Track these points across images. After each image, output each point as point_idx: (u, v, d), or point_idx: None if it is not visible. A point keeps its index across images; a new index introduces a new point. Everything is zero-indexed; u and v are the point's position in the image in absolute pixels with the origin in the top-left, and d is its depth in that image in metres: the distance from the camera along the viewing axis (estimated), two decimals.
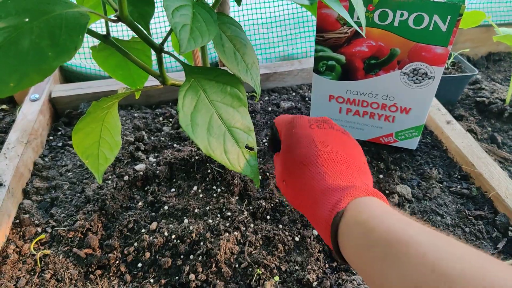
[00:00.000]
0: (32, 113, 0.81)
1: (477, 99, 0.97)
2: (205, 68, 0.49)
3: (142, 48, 0.64)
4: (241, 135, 0.48)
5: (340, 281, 0.57)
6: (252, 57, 0.50)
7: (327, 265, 0.60)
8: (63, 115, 0.89)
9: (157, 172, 0.74)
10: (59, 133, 0.86)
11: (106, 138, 0.60)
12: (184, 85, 0.46)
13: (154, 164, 0.76)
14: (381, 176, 0.74)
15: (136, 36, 0.60)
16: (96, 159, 0.59)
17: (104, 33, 0.49)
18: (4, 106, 0.92)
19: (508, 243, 0.62)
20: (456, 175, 0.73)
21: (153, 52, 0.54)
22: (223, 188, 0.72)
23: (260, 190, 0.72)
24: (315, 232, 0.64)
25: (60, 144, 0.83)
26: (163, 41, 0.50)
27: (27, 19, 0.34)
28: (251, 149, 0.48)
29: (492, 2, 1.18)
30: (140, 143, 0.81)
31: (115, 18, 0.42)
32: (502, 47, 1.22)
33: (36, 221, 0.66)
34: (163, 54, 0.51)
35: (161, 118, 0.89)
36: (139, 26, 0.46)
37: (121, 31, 1.02)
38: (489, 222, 0.65)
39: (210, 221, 0.66)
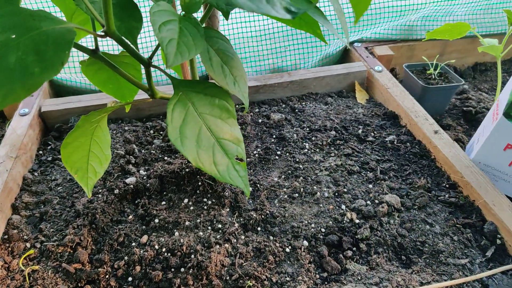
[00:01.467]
0: (21, 128, 0.81)
1: (464, 108, 0.99)
2: (193, 82, 0.50)
3: (131, 62, 0.64)
4: (230, 147, 0.48)
5: None
6: (240, 70, 0.51)
7: (317, 276, 0.60)
8: (53, 129, 0.89)
9: (148, 185, 0.74)
10: (49, 147, 0.85)
11: (96, 152, 0.60)
12: (172, 99, 0.47)
13: (144, 177, 0.76)
14: (370, 186, 0.74)
15: (124, 51, 0.61)
16: (85, 173, 0.59)
17: (93, 47, 0.49)
18: None
19: (496, 251, 0.62)
20: (444, 184, 0.74)
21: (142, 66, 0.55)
22: (213, 200, 0.72)
23: (250, 201, 0.72)
24: (306, 243, 0.64)
25: (49, 159, 0.82)
26: (151, 55, 0.50)
27: (13, 36, 0.35)
28: (241, 160, 0.49)
29: (477, 14, 1.21)
30: (131, 156, 0.81)
31: (103, 34, 0.42)
32: (488, 57, 1.24)
33: (25, 236, 0.66)
34: (151, 68, 0.51)
35: (151, 131, 0.89)
36: (127, 41, 0.47)
37: (111, 45, 1.02)
38: (478, 230, 0.65)
39: (201, 233, 0.66)
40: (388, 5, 1.13)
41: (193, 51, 0.42)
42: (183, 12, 0.48)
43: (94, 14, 0.42)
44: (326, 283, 0.59)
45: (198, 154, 0.46)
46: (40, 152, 0.84)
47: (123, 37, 0.46)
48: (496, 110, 0.72)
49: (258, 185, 0.75)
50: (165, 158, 0.82)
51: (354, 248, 0.64)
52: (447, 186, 0.73)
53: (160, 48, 0.53)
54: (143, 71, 0.59)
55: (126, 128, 0.89)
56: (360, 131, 0.87)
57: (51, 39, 0.35)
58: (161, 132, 0.89)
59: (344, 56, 1.14)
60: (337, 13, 0.48)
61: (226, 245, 0.64)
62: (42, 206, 0.72)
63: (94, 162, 0.60)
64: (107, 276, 0.61)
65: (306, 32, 0.66)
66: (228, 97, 0.50)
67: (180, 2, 0.48)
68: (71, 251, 0.64)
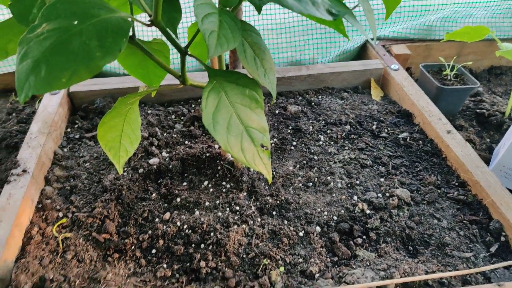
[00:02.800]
0: (52, 106, 0.86)
1: (478, 111, 1.01)
2: (226, 71, 0.54)
3: (161, 49, 0.68)
4: (256, 135, 0.52)
5: (341, 274, 0.61)
6: (270, 62, 0.55)
7: (328, 259, 0.64)
8: (80, 109, 0.93)
9: (170, 166, 0.78)
10: (76, 125, 0.90)
11: (127, 132, 0.64)
12: (207, 87, 0.50)
13: (167, 159, 0.80)
14: (381, 179, 0.78)
15: (157, 38, 0.64)
16: (117, 151, 0.63)
17: (131, 34, 0.53)
18: None
19: (500, 247, 0.66)
20: (454, 182, 0.77)
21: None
22: (232, 184, 0.76)
23: (267, 187, 0.76)
24: (318, 229, 0.68)
25: (77, 136, 0.87)
26: (187, 45, 0.54)
27: (76, 22, 0.38)
28: (265, 148, 0.52)
29: (496, 18, 1.22)
30: (154, 139, 0.85)
31: (149, 23, 0.46)
32: (504, 61, 1.26)
33: (58, 207, 0.71)
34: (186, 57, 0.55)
35: (173, 116, 0.93)
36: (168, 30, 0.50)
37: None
38: (483, 227, 0.69)
39: (220, 214, 0.70)
40: (408, 5, 1.15)
41: (232, 43, 0.46)
42: (221, 6, 0.51)
43: (143, 5, 0.45)
44: (336, 266, 0.63)
45: (228, 139, 0.50)
46: (68, 129, 0.89)
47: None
48: None
49: (274, 173, 0.79)
50: (186, 142, 0.86)
51: (364, 237, 0.68)
52: (456, 184, 0.76)
53: (193, 38, 0.57)
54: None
55: (149, 112, 0.93)
56: (374, 127, 0.90)
57: (110, 27, 0.38)
58: (182, 118, 0.93)
59: (361, 53, 1.17)
60: (366, 12, 0.51)
61: (243, 226, 0.68)
62: (72, 180, 0.77)
63: (125, 142, 0.64)
64: (132, 247, 0.66)
65: (329, 27, 0.69)
66: (258, 88, 0.53)
67: None
68: (100, 223, 0.68)
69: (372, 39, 1.15)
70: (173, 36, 0.51)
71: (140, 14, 0.56)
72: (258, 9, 0.54)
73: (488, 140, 0.95)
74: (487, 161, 0.86)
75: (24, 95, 0.37)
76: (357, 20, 0.46)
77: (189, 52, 0.54)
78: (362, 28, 0.46)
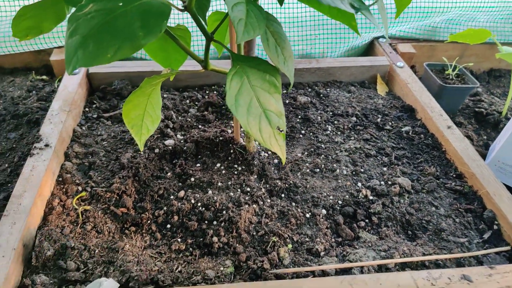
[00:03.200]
0: (72, 85, 0.89)
1: (476, 109, 1.06)
2: (248, 57, 0.57)
3: (183, 35, 0.71)
4: (273, 118, 0.56)
5: (344, 253, 0.66)
6: (289, 51, 0.58)
7: (333, 240, 0.69)
8: (98, 90, 0.97)
9: (185, 148, 0.82)
10: (94, 105, 0.93)
11: (150, 111, 0.68)
12: (231, 70, 0.54)
13: (182, 141, 0.84)
14: (384, 168, 0.82)
15: (181, 24, 0.68)
16: (139, 129, 0.67)
17: None
18: (44, 77, 1.00)
19: (492, 235, 0.71)
20: (451, 174, 0.81)
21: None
22: (243, 167, 0.80)
23: (276, 171, 0.80)
24: (324, 211, 0.73)
25: (95, 116, 0.91)
26: (213, 31, 0.58)
27: (120, 3, 0.42)
28: (281, 131, 0.56)
29: (498, 22, 1.26)
30: (169, 121, 0.89)
31: (183, 8, 0.50)
32: (503, 64, 1.30)
33: (77, 181, 0.74)
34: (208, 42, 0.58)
35: (187, 101, 0.97)
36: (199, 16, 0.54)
37: None
38: (478, 215, 0.73)
39: (232, 194, 0.74)
40: (415, 6, 1.19)
41: (257, 31, 0.50)
42: None
43: None
44: (340, 246, 0.68)
45: (248, 120, 0.54)
46: (86, 109, 0.92)
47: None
48: None
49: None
50: (200, 126, 0.90)
51: (367, 220, 0.72)
52: (454, 175, 0.81)
53: (219, 25, 0.60)
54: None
55: (164, 95, 0.97)
56: (379, 119, 0.95)
57: (151, 10, 0.42)
58: (197, 103, 0.96)
59: (368, 49, 1.21)
60: (380, 10, 0.55)
61: (254, 205, 0.72)
62: (90, 157, 0.80)
63: (147, 120, 0.67)
64: (148, 221, 0.70)
65: (341, 23, 0.72)
66: (277, 74, 0.57)
67: None
68: (117, 197, 0.72)
69: (382, 36, 1.19)
70: (202, 22, 0.54)
71: None
72: (280, 2, 0.58)
73: (485, 137, 0.99)
74: (484, 156, 0.90)
75: (72, 67, 0.40)
76: (373, 16, 0.49)
77: (214, 38, 0.57)
78: (377, 23, 0.50)
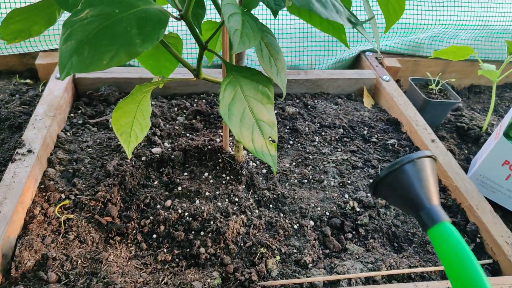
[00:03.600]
0: (58, 90, 0.87)
1: (458, 124, 1.09)
2: (242, 67, 0.57)
3: (174, 43, 0.71)
4: (266, 128, 0.56)
5: (332, 265, 0.66)
6: (282, 62, 0.59)
7: (321, 251, 0.69)
8: (84, 95, 0.95)
9: (172, 156, 0.81)
10: (79, 111, 0.91)
11: (139, 119, 0.67)
12: (225, 80, 0.54)
13: (169, 149, 0.83)
14: (371, 180, 0.83)
15: (172, 32, 0.68)
16: (128, 136, 0.66)
17: None
18: (28, 81, 0.97)
19: (475, 248, 0.72)
20: None
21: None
22: (231, 177, 0.79)
23: (264, 182, 0.80)
24: (312, 223, 0.73)
25: (80, 122, 0.89)
26: (207, 40, 0.58)
27: (117, 10, 0.42)
28: (273, 141, 0.56)
29: (478, 40, 1.31)
30: (157, 129, 0.88)
31: (179, 17, 0.49)
32: (483, 81, 1.35)
33: (60, 188, 0.72)
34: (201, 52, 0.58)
35: (175, 109, 0.96)
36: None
37: None
38: (461, 228, 0.75)
39: (219, 204, 0.73)
40: (401, 21, 1.22)
41: (252, 41, 0.50)
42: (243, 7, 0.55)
43: (176, 0, 0.49)
44: (328, 258, 0.68)
45: (240, 130, 0.54)
46: (72, 114, 0.90)
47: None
48: (499, 130, 0.82)
49: (272, 168, 0.83)
50: (187, 134, 0.89)
51: (354, 232, 0.73)
52: (438, 188, 0.83)
53: (213, 34, 0.60)
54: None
55: (152, 103, 0.96)
56: (365, 132, 0.96)
57: (149, 17, 0.42)
58: (185, 111, 0.96)
59: (355, 63, 1.23)
60: (372, 26, 0.56)
61: (242, 216, 0.71)
62: (75, 164, 0.78)
63: (136, 128, 0.66)
64: (134, 231, 0.68)
65: (332, 36, 0.73)
66: (270, 85, 0.57)
67: None
68: (102, 206, 0.70)
69: (369, 50, 1.21)
70: (197, 31, 0.54)
71: (165, 5, 0.60)
72: (275, 13, 0.58)
73: (466, 151, 1.02)
74: (465, 170, 0.93)
75: (65, 73, 0.39)
76: (366, 31, 0.51)
77: (208, 47, 0.57)
78: (370, 38, 0.51)
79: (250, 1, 0.54)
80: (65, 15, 0.47)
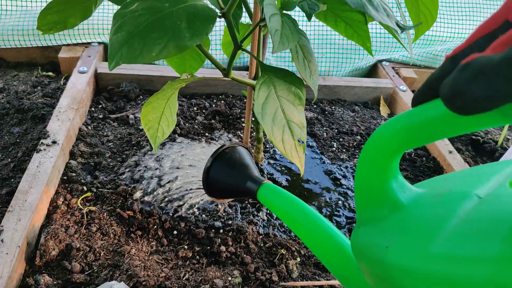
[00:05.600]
0: (81, 84, 0.88)
1: (473, 137, 1.09)
2: (276, 68, 0.58)
3: (203, 42, 0.72)
4: (296, 129, 0.57)
5: None
6: (315, 65, 0.59)
7: None
8: (105, 91, 0.95)
9: None
10: (100, 106, 0.92)
11: (167, 115, 0.67)
12: (259, 80, 0.55)
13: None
14: None
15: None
16: (155, 132, 0.66)
17: None
18: (50, 73, 0.97)
19: None
20: None
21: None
22: None
23: (284, 182, 0.80)
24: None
25: (101, 116, 0.89)
26: (242, 40, 0.58)
27: (167, 4, 0.42)
28: (302, 142, 0.57)
29: None
30: (177, 127, 0.88)
31: (221, 15, 0.50)
32: None
33: (82, 180, 0.72)
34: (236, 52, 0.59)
35: (195, 108, 0.97)
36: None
37: None
38: None
39: (239, 204, 0.74)
40: None
41: (291, 42, 0.51)
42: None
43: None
44: None
45: (272, 129, 0.54)
46: (92, 109, 0.90)
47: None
48: None
49: (292, 172, 0.84)
50: (207, 134, 0.90)
51: None
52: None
53: (248, 34, 0.61)
54: None
55: None
56: None
57: (197, 12, 0.42)
58: (204, 111, 0.96)
59: (371, 72, 1.24)
60: (407, 33, 0.57)
61: (261, 216, 0.72)
62: (96, 157, 0.79)
63: (164, 124, 0.67)
64: (155, 227, 0.68)
65: (356, 43, 0.74)
66: (303, 86, 0.58)
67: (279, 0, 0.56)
68: (124, 200, 0.71)
69: (386, 60, 1.22)
70: (235, 30, 0.55)
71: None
72: (309, 17, 0.59)
73: (481, 164, 1.02)
74: None
75: (115, 63, 0.40)
76: (401, 38, 0.51)
77: (242, 47, 0.58)
78: (402, 42, 0.52)
79: (289, 3, 0.55)
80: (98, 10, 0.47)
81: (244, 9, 0.59)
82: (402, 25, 0.43)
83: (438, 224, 0.26)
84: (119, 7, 0.43)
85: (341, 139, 0.94)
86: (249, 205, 0.73)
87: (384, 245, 0.29)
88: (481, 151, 1.07)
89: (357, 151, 0.92)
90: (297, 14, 1.11)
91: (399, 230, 0.29)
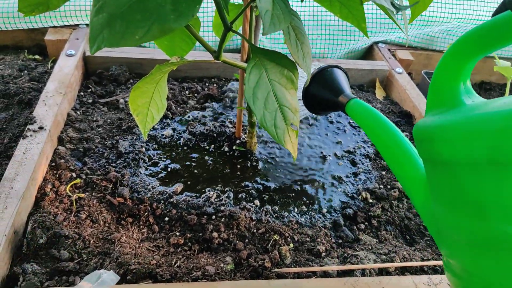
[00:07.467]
0: (68, 67, 0.85)
1: None
2: (268, 50, 0.56)
3: (193, 24, 0.69)
4: (289, 114, 0.55)
5: (345, 255, 0.65)
6: (308, 47, 0.57)
7: (333, 241, 0.69)
8: (94, 74, 0.93)
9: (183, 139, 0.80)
10: (89, 90, 0.90)
11: (156, 99, 0.65)
12: (250, 63, 0.53)
13: (181, 132, 0.82)
14: (383, 172, 0.83)
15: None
16: (145, 117, 0.64)
17: None
18: (36, 56, 0.94)
19: None
20: None
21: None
22: (244, 164, 0.78)
23: (278, 169, 0.79)
24: (325, 211, 0.72)
25: (90, 101, 0.87)
26: (232, 21, 0.56)
27: None
28: (294, 127, 0.55)
29: None
30: (168, 112, 0.87)
31: None
32: (493, 78, 1.34)
33: (71, 167, 0.71)
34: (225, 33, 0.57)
35: (187, 92, 0.94)
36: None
37: None
38: None
39: (232, 189, 0.73)
40: None
41: (283, 23, 0.48)
42: None
43: None
44: (341, 247, 0.68)
45: (264, 114, 0.53)
46: (81, 93, 0.88)
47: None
48: None
49: (283, 156, 0.82)
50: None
51: (367, 223, 0.72)
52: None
53: (238, 15, 0.59)
54: None
55: None
56: None
57: None
58: (196, 95, 0.94)
59: (367, 54, 1.22)
60: (403, 14, 0.55)
61: (255, 202, 0.71)
62: (85, 143, 0.77)
63: (153, 109, 0.65)
64: (146, 213, 0.67)
65: (351, 24, 0.72)
66: (295, 69, 0.56)
67: None
68: (113, 187, 0.69)
69: (381, 42, 1.20)
70: (224, 11, 0.52)
71: None
72: None
73: None
74: None
75: (96, 46, 0.38)
76: (398, 18, 0.49)
77: (233, 28, 0.56)
78: (398, 22, 0.50)
79: None
80: None
81: None
82: (398, 5, 0.41)
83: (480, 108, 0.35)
84: None
85: (335, 122, 0.93)
86: (244, 194, 0.73)
87: (437, 118, 0.38)
88: None
89: (353, 132, 0.91)
90: None
91: (452, 112, 0.37)
